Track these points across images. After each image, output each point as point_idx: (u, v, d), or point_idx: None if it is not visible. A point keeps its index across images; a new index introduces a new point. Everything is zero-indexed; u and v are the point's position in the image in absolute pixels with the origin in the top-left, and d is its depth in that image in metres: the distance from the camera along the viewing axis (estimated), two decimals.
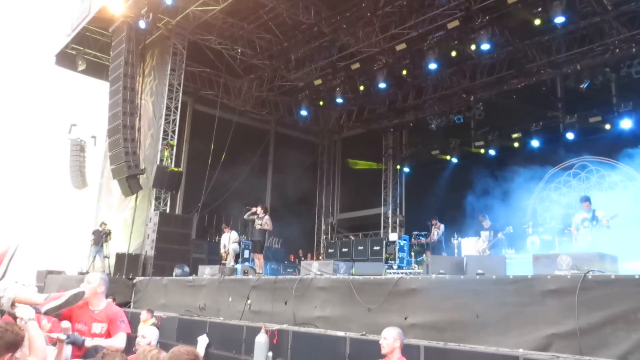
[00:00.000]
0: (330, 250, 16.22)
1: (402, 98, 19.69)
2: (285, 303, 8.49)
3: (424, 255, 13.34)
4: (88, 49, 19.24)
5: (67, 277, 15.26)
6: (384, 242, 14.74)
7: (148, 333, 4.17)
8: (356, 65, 16.89)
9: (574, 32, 14.17)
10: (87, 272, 14.79)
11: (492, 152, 17.27)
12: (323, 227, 22.73)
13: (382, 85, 16.77)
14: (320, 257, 19.06)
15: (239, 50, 17.89)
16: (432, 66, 15.25)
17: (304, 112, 19.80)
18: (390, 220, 20.47)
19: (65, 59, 19.76)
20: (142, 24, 15.18)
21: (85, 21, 17.56)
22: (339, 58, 17.13)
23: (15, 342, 2.84)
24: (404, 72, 17.57)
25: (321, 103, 20.51)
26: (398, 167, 21.04)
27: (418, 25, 14.73)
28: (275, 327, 7.75)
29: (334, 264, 8.96)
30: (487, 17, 13.72)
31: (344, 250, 15.45)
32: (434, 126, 18.19)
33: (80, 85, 22.57)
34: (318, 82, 18.25)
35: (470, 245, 11.21)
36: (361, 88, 18.23)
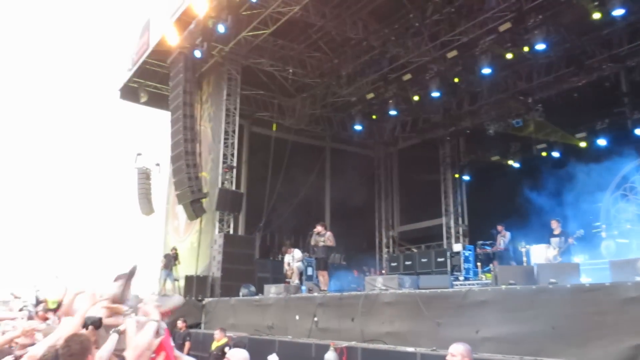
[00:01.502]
0: (393, 264, 16.02)
1: (457, 105, 19.36)
2: (352, 319, 8.48)
3: (491, 265, 12.96)
4: (149, 81, 20.24)
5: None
6: (448, 253, 14.42)
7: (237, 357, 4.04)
8: (407, 76, 16.82)
9: (635, 23, 13.49)
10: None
11: (555, 154, 16.62)
12: (384, 240, 22.55)
13: (435, 94, 16.57)
14: (383, 272, 18.89)
15: (291, 70, 18.22)
16: (486, 71, 14.94)
17: (358, 127, 19.83)
18: (452, 231, 20.05)
19: (129, 92, 20.90)
20: (197, 54, 15.81)
21: (145, 55, 18.52)
22: (389, 70, 17.10)
23: (82, 350, 3.05)
24: (456, 80, 17.32)
25: (374, 117, 20.51)
26: (457, 175, 20.64)
27: (468, 30, 14.51)
28: (344, 344, 7.76)
29: (398, 278, 8.90)
30: (541, 16, 13.32)
31: (407, 263, 15.21)
32: (492, 131, 17.74)
33: (144, 116, 23.78)
34: (370, 95, 18.29)
35: (539, 253, 10.75)
36: (415, 98, 18.09)
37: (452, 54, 15.18)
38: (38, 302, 7.49)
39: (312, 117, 20.85)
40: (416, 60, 16.24)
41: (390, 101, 18.05)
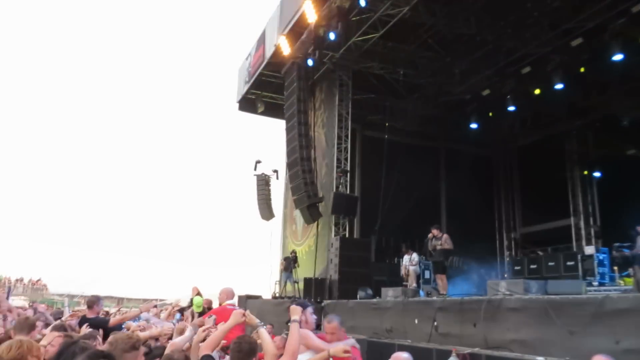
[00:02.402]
0: (516, 268, 15.18)
1: (583, 96, 17.85)
2: (474, 325, 8.18)
3: (630, 269, 11.79)
4: (265, 92, 21.23)
5: (264, 302, 16.69)
6: (579, 256, 13.35)
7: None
8: (526, 69, 15.93)
9: None
10: (281, 297, 16.01)
11: None
12: (505, 243, 21.46)
13: (558, 86, 15.47)
14: (505, 276, 17.98)
15: (401, 72, 18.03)
16: (617, 57, 13.67)
17: (473, 125, 19.11)
18: (583, 232, 18.52)
19: (247, 103, 22.14)
20: (309, 62, 16.31)
21: (261, 67, 19.50)
22: (506, 64, 16.30)
23: (250, 350, 3.38)
24: (582, 70, 16.02)
25: (491, 114, 19.62)
26: (586, 172, 19.05)
27: (594, 15, 13.40)
28: (467, 350, 7.51)
29: (524, 282, 8.45)
30: None
31: (532, 267, 14.33)
32: (626, 123, 16.18)
33: (261, 125, 25.08)
34: (486, 92, 17.58)
35: None
36: (536, 92, 17.02)
37: (577, 41, 14.13)
38: (182, 310, 8.33)
39: (425, 118, 20.44)
40: (535, 52, 15.33)
41: (508, 97, 17.20)
